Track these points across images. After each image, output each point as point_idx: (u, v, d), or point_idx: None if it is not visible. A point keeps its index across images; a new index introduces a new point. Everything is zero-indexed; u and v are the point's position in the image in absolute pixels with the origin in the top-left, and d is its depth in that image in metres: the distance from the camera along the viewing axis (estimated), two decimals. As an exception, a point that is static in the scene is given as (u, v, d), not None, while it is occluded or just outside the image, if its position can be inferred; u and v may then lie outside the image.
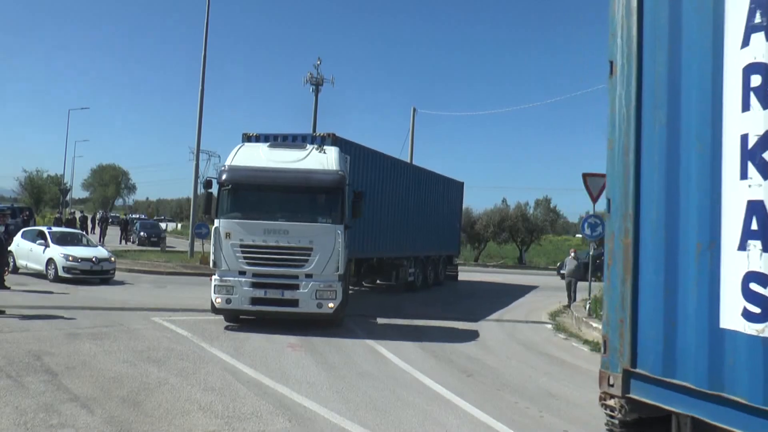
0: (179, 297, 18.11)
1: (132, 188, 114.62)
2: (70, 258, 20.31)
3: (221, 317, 13.76)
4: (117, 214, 78.60)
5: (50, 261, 20.49)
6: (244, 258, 13.01)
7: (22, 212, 34.80)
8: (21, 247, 21.90)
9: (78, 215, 44.13)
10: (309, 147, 14.04)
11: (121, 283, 21.26)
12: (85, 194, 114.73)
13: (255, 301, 13.01)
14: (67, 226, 30.04)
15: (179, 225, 73.33)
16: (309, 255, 12.98)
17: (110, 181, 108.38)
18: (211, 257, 13.40)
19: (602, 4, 4.74)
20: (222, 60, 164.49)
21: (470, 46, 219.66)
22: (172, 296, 18.30)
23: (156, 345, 11.00)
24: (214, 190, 13.42)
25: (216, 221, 13.26)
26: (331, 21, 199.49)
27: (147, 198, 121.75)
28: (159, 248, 36.43)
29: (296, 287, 13.01)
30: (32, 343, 10.52)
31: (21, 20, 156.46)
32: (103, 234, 41.35)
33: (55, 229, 23.70)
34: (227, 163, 13.61)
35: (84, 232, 28.11)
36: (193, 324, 13.43)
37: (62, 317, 13.28)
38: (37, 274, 20.94)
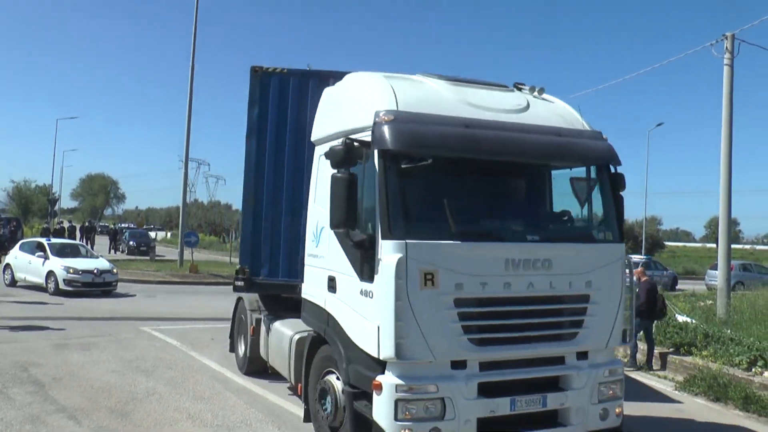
0: (169, 306, 18.05)
1: (121, 197, 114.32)
2: (71, 270, 19.66)
3: (211, 324, 13.68)
4: (106, 224, 78.21)
5: (50, 274, 19.81)
6: (466, 330, 5.74)
7: (9, 223, 34.58)
8: (19, 259, 21.22)
9: (66, 225, 43.92)
10: (512, 89, 7.21)
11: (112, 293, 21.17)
12: (74, 204, 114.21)
13: (488, 425, 5.79)
14: (55, 236, 29.84)
15: (169, 234, 72.99)
16: (585, 311, 6.26)
17: (99, 191, 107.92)
18: (380, 332, 5.55)
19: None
20: (210, 67, 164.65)
21: (454, 41, 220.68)
22: (161, 305, 18.23)
23: (145, 354, 10.95)
24: (367, 166, 5.98)
25: (386, 244, 5.59)
26: (321, 28, 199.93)
27: (136, 207, 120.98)
28: (148, 257, 36.25)
29: (562, 384, 6.19)
30: (19, 354, 10.45)
31: (8, 28, 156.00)
32: (90, 244, 41.12)
33: (54, 240, 23.13)
34: (384, 106, 5.91)
35: (84, 244, 27.77)
36: (182, 333, 13.38)
37: (50, 328, 13.19)
38: (37, 288, 20.23)
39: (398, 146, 5.61)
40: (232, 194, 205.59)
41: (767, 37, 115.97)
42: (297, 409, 8.00)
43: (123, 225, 68.68)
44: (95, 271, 20.15)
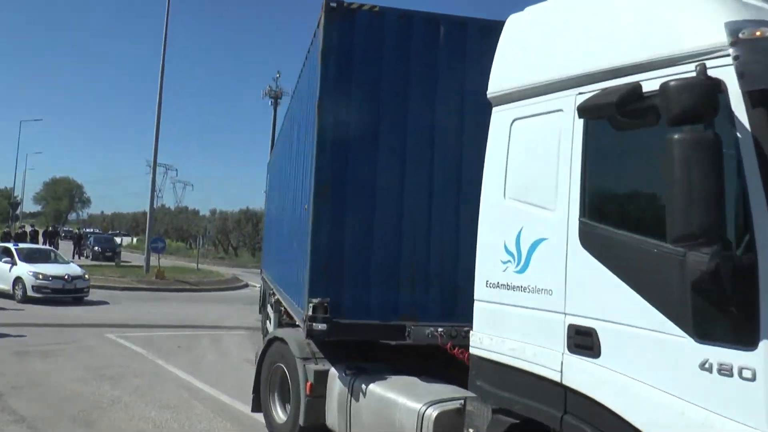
0: (134, 313, 17.73)
1: (86, 202, 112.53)
2: (40, 276, 18.82)
3: (178, 332, 13.47)
4: (70, 228, 76.69)
5: (18, 280, 18.94)
6: None
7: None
8: None
9: (29, 229, 42.90)
10: None
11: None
12: (37, 208, 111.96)
13: None
14: (17, 241, 29.11)
15: (135, 239, 71.88)
16: None
17: (63, 195, 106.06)
18: None
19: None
20: (179, 72, 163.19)
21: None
22: (127, 312, 17.88)
23: (110, 362, 10.72)
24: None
25: None
26: (291, 34, 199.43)
27: (102, 212, 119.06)
28: (114, 263, 35.62)
29: None
30: (-23, 362, 10.15)
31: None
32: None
33: (22, 245, 22.32)
34: (729, 16, 3.05)
35: (55, 249, 26.79)
36: (149, 340, 13.14)
37: (10, 335, 12.79)
38: (3, 295, 19.03)
39: None
40: (199, 200, 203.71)
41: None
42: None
43: (88, 230, 67.47)
44: (66, 277, 19.35)
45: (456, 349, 5.17)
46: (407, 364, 5.95)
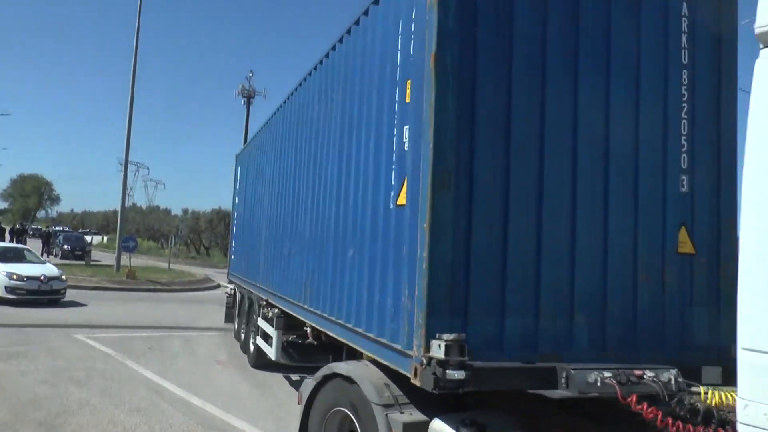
0: (104, 313, 17.38)
1: (55, 199, 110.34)
2: (14, 276, 17.85)
3: (148, 333, 13.25)
4: (39, 226, 75.25)
5: None
6: None
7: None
8: None
9: (-5, 227, 41.99)
10: None
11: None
12: (4, 205, 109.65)
13: None
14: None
15: (105, 238, 70.86)
16: None
17: (32, 192, 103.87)
18: None
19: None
20: (152, 69, 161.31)
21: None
22: (96, 312, 17.52)
23: (78, 364, 10.46)
24: None
25: None
26: (265, 33, 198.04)
27: (72, 210, 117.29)
28: (83, 262, 35.02)
29: None
30: (-60, 363, 9.84)
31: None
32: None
33: None
34: None
35: (29, 248, 25.00)
36: (118, 341, 12.88)
37: (-26, 335, 12.49)
38: None
39: None
40: (171, 199, 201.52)
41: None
42: (239, 422, 7.77)
43: (57, 228, 66.25)
44: (42, 277, 18.35)
45: (647, 407, 3.59)
46: (538, 415, 4.45)
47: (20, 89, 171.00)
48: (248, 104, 46.02)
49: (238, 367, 11.11)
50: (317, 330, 7.14)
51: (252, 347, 11.20)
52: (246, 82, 44.10)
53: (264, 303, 10.02)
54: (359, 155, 5.64)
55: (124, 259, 29.05)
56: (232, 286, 14.85)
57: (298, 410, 7.98)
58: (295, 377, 10.18)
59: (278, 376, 10.37)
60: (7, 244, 23.85)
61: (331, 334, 6.18)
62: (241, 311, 13.02)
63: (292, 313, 8.07)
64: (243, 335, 12.41)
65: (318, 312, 6.61)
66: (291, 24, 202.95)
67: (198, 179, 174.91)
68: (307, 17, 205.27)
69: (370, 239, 5.17)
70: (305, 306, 7.20)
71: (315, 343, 8.14)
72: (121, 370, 10.32)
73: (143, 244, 55.67)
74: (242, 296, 13.00)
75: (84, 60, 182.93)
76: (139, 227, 59.70)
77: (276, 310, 9.20)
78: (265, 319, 9.79)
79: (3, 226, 45.15)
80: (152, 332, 14.30)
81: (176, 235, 40.53)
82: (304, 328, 8.08)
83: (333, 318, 6.05)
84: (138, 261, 35.82)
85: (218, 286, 29.11)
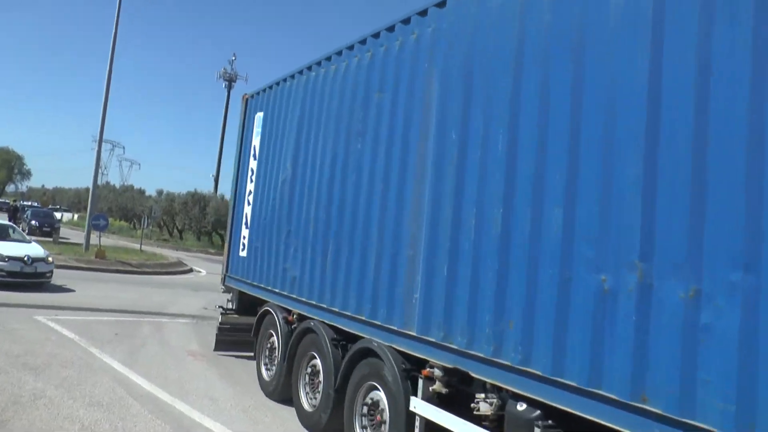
0: (69, 294, 16.43)
1: (26, 174, 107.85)
2: None
3: (116, 317, 12.38)
4: (6, 200, 73.16)
5: None
6: None
7: None
8: None
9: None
10: None
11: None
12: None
13: None
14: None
15: (76, 216, 69.07)
16: None
17: (1, 166, 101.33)
18: None
19: None
20: (133, 46, 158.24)
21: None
22: (60, 292, 16.54)
23: (36, 349, 9.60)
24: None
25: None
26: (249, 15, 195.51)
27: (43, 185, 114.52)
28: (51, 239, 33.73)
29: None
30: None
31: None
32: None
33: None
34: None
35: (14, 225, 23.04)
36: (83, 325, 12.01)
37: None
38: None
39: None
40: (146, 180, 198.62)
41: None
42: (210, 422, 7.04)
43: (26, 203, 64.42)
44: (26, 258, 16.35)
45: None
46: None
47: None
48: (229, 88, 45.06)
49: (212, 359, 10.33)
50: None
51: None
52: (228, 65, 43.19)
53: (337, 342, 6.88)
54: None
55: (94, 238, 27.95)
56: (229, 296, 10.84)
57: (275, 412, 7.28)
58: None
59: (254, 372, 9.63)
60: None
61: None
62: (295, 355, 7.83)
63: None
64: (308, 402, 7.45)
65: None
66: (275, 9, 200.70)
67: (175, 162, 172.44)
68: (291, 3, 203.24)
69: None
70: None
71: None
72: (84, 357, 9.50)
73: (115, 223, 54.25)
74: (294, 329, 7.97)
75: (62, 34, 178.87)
76: (111, 206, 58.12)
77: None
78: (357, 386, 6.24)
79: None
80: (120, 317, 13.44)
81: (149, 216, 39.30)
82: None
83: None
84: (109, 241, 34.70)
85: (191, 270, 28.21)
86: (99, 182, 32.10)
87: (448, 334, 5.10)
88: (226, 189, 56.88)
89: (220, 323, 10.41)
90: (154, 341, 11.34)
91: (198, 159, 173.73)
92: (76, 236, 36.97)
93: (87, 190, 48.50)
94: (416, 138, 5.89)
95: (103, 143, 29.89)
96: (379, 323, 6.07)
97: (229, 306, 10.64)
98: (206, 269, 29.36)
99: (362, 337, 6.32)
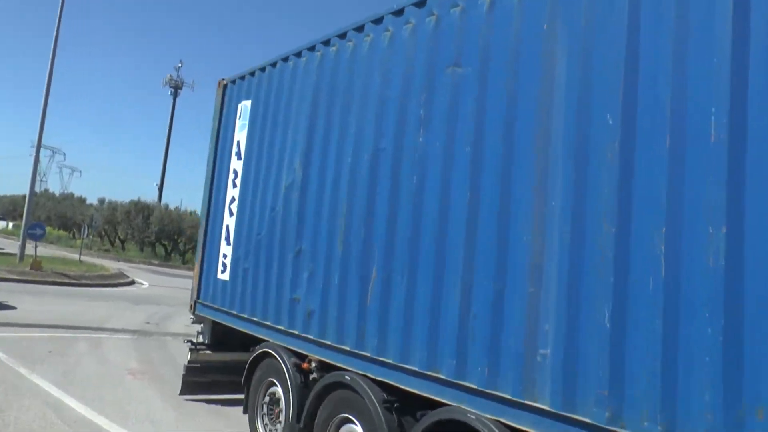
0: (-1, 308, 15.51)
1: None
2: None
3: (50, 333, 11.67)
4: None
5: None
6: None
7: None
8: None
9: None
10: None
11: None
12: None
13: None
14: None
15: (11, 224, 66.33)
16: None
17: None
18: None
19: None
20: (73, 48, 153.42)
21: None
22: (-10, 306, 15.59)
23: (-41, 369, 8.92)
24: None
25: None
26: (195, 22, 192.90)
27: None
28: (-17, 249, 32.17)
29: None
30: None
31: None
32: None
33: None
34: None
35: None
36: (13, 342, 11.27)
37: None
38: None
39: None
40: (87, 188, 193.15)
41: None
42: (150, 450, 6.57)
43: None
44: None
45: None
46: None
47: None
48: (175, 95, 44.16)
49: (153, 378, 9.80)
50: None
51: None
52: (174, 72, 42.32)
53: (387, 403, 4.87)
54: None
55: (30, 248, 26.71)
56: (200, 327, 8.76)
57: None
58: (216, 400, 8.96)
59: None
60: None
61: None
62: (315, 416, 5.73)
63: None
64: None
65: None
66: (221, 16, 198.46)
67: (117, 169, 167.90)
68: (237, 11, 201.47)
69: None
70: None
71: None
72: (12, 379, 8.84)
73: (53, 232, 52.22)
74: (312, 380, 5.95)
75: (1, 35, 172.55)
76: (50, 214, 56.01)
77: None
78: None
79: None
80: (54, 332, 12.70)
81: (90, 225, 37.86)
82: None
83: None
84: (46, 251, 33.31)
85: (133, 282, 27.24)
86: (37, 189, 30.75)
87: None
88: (170, 198, 55.54)
89: (189, 362, 8.48)
90: (91, 359, 10.72)
91: (142, 168, 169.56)
92: (11, 246, 35.35)
93: (24, 197, 46.63)
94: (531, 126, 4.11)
95: (43, 149, 28.81)
96: (474, 386, 4.15)
97: (200, 339, 8.68)
98: (149, 281, 28.42)
99: (443, 404, 4.36)
